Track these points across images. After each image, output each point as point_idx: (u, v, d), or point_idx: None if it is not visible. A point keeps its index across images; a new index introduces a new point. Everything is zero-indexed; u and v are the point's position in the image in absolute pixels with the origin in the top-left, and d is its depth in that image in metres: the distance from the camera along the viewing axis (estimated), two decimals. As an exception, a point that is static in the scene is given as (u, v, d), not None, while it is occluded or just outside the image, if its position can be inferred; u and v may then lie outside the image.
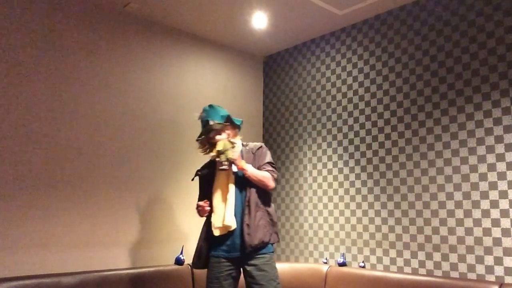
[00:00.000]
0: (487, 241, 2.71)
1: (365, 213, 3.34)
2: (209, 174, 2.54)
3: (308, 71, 3.94)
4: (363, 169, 3.40)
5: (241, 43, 4.03)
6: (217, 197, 2.43)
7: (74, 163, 3.00)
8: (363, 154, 3.42)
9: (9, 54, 2.81)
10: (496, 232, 2.68)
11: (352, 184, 3.46)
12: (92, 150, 3.09)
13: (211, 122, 2.44)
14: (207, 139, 2.51)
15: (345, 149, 3.55)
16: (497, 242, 2.67)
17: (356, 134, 3.48)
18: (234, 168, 2.36)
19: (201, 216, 2.45)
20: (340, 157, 3.57)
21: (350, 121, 3.54)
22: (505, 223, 2.65)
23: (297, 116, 3.97)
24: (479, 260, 2.73)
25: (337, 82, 3.70)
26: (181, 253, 3.27)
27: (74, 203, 2.96)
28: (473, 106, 2.87)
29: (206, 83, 3.87)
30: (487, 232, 2.72)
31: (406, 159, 3.15)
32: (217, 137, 2.44)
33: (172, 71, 3.63)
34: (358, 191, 3.41)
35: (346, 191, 3.49)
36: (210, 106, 2.58)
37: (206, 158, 2.63)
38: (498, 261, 2.65)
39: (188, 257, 3.33)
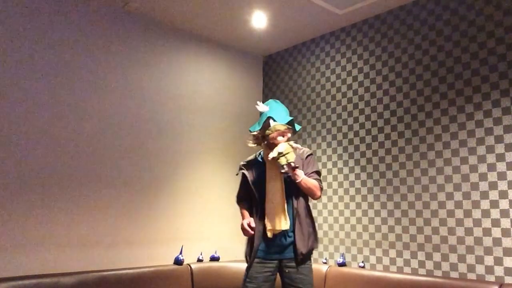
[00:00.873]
0: (487, 241, 2.70)
1: (364, 213, 3.34)
2: (258, 173, 2.50)
3: (308, 71, 3.94)
4: (363, 169, 3.39)
5: (241, 42, 4.03)
6: (270, 199, 2.41)
7: (74, 163, 2.99)
8: (362, 154, 3.42)
9: (9, 53, 2.81)
10: (496, 232, 2.67)
11: (351, 184, 3.45)
12: (92, 150, 3.09)
13: (273, 122, 2.40)
14: (263, 135, 2.45)
15: (345, 149, 3.54)
16: (497, 242, 2.67)
17: (356, 134, 3.48)
18: (290, 173, 2.34)
19: (246, 235, 2.44)
20: (340, 157, 3.57)
21: (350, 121, 3.54)
22: (505, 223, 2.65)
23: (297, 115, 3.97)
24: (479, 260, 2.72)
25: (337, 81, 3.70)
26: (181, 253, 3.27)
27: (74, 203, 2.96)
28: (473, 106, 2.87)
29: (206, 83, 3.87)
30: (487, 232, 2.71)
31: (406, 159, 3.15)
32: (279, 138, 2.41)
33: (171, 71, 3.63)
34: (357, 191, 3.41)
35: (346, 191, 3.48)
36: (276, 101, 2.55)
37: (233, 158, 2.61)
38: (498, 261, 2.65)
39: (188, 257, 3.33)
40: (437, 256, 2.91)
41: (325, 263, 3.45)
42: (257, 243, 2.39)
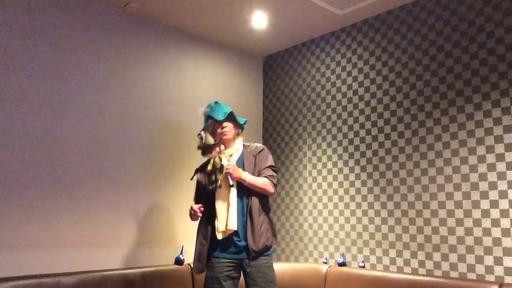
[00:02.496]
0: (487, 241, 2.71)
1: (364, 213, 3.34)
2: (207, 179, 2.56)
3: (308, 71, 3.94)
4: (363, 169, 3.40)
5: (241, 42, 4.03)
6: (219, 201, 2.45)
7: (74, 163, 3.00)
8: (362, 154, 3.42)
9: (9, 53, 2.81)
10: (496, 232, 2.68)
11: (352, 184, 3.46)
12: (92, 150, 3.09)
13: (203, 139, 2.50)
14: (206, 149, 2.54)
15: (345, 149, 3.55)
16: (497, 242, 2.67)
17: (356, 134, 3.48)
18: (231, 181, 2.39)
19: (193, 219, 2.48)
20: (340, 157, 3.57)
21: (350, 121, 3.54)
22: (505, 223, 2.65)
23: (297, 116, 3.97)
24: (479, 260, 2.73)
25: (337, 82, 3.70)
26: (181, 253, 3.27)
27: (74, 203, 2.96)
28: (473, 106, 2.87)
29: (206, 83, 3.87)
30: (487, 232, 2.72)
31: (406, 159, 3.16)
32: (209, 154, 2.50)
33: (172, 71, 3.63)
34: (358, 191, 3.41)
35: (346, 191, 3.49)
36: (216, 102, 2.59)
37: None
38: (498, 261, 2.65)
39: (188, 257, 3.33)
40: (437, 256, 2.92)
41: (325, 263, 3.46)
42: (205, 243, 2.43)
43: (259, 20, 3.54)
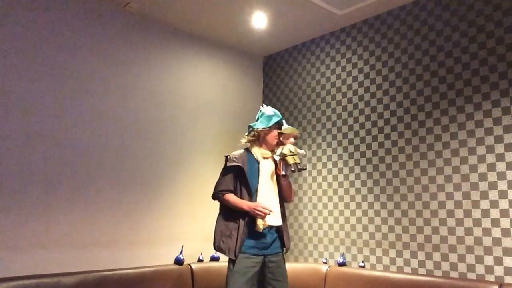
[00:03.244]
0: (487, 241, 2.71)
1: (364, 213, 3.34)
2: (250, 167, 2.58)
3: (308, 71, 3.94)
4: (363, 169, 3.40)
5: (241, 43, 4.03)
6: (264, 195, 2.53)
7: (74, 163, 3.00)
8: (362, 154, 3.42)
9: (9, 53, 2.81)
10: (496, 232, 2.68)
11: (351, 184, 3.46)
12: (92, 150, 3.09)
13: (285, 125, 2.65)
14: (273, 139, 2.65)
15: (345, 149, 3.55)
16: (497, 242, 2.67)
17: (356, 134, 3.48)
18: (283, 172, 2.54)
19: (260, 217, 2.46)
20: (340, 157, 3.57)
21: (350, 121, 3.54)
22: (505, 223, 2.65)
23: (297, 116, 3.97)
24: (479, 260, 2.73)
25: (337, 82, 3.70)
26: (181, 253, 3.27)
27: (74, 203, 2.96)
28: (473, 106, 2.87)
29: (206, 83, 3.87)
30: (487, 232, 2.72)
31: (406, 159, 3.16)
32: (291, 139, 2.61)
33: (172, 71, 3.63)
34: (357, 191, 3.41)
35: (346, 191, 3.49)
36: (275, 111, 2.76)
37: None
38: (498, 261, 2.65)
39: (188, 257, 3.33)
40: (437, 256, 2.92)
41: (325, 263, 3.46)
42: (243, 237, 2.47)
43: (259, 20, 3.54)
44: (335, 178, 3.58)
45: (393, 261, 3.14)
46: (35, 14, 2.94)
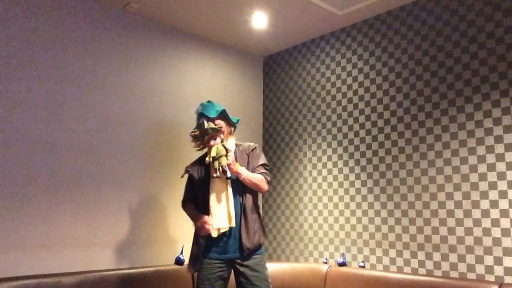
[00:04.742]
0: (487, 241, 2.71)
1: (365, 213, 3.34)
2: (202, 174, 2.54)
3: (308, 71, 3.94)
4: (363, 169, 3.40)
5: (241, 43, 4.03)
6: (214, 198, 2.42)
7: (74, 163, 3.00)
8: (363, 154, 3.42)
9: (9, 54, 2.81)
10: (496, 232, 2.68)
11: (352, 184, 3.46)
12: (92, 150, 3.09)
13: (206, 125, 2.42)
14: (199, 138, 2.51)
15: (345, 149, 3.55)
16: (497, 242, 2.67)
17: (356, 134, 3.48)
18: (228, 173, 2.33)
19: (201, 233, 2.41)
20: (340, 157, 3.57)
21: (350, 121, 3.54)
22: (505, 223, 2.65)
23: (297, 116, 3.97)
24: (479, 260, 2.73)
25: (337, 82, 3.70)
26: (181, 253, 3.27)
27: (74, 203, 2.96)
28: (473, 106, 2.87)
29: (206, 83, 3.87)
30: (487, 232, 2.72)
31: (406, 159, 3.16)
32: (212, 142, 2.42)
33: (172, 71, 3.64)
34: (358, 191, 3.41)
35: (346, 191, 3.49)
36: (208, 101, 2.59)
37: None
38: (498, 261, 2.65)
39: (188, 257, 3.33)
40: (437, 256, 2.92)
41: (325, 263, 3.46)
42: (202, 242, 2.41)
43: (259, 20, 3.54)
44: (335, 178, 3.58)
45: (393, 261, 3.14)
46: (35, 14, 2.94)
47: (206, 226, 2.35)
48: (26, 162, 2.79)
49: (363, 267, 3.23)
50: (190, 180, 2.60)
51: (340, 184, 3.54)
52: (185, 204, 2.62)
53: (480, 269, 2.72)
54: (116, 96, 3.27)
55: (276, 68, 4.25)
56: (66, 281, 2.61)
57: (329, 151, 3.66)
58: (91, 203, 3.05)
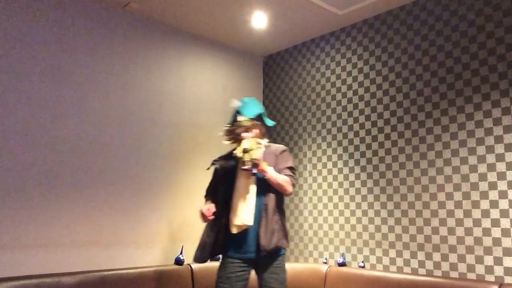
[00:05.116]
0: (487, 241, 2.71)
1: (364, 213, 3.34)
2: (228, 168, 2.50)
3: (308, 71, 3.94)
4: (363, 169, 3.40)
5: (241, 43, 4.03)
6: (237, 194, 2.39)
7: (74, 163, 3.00)
8: (362, 154, 3.42)
9: (9, 53, 2.81)
10: (496, 232, 2.68)
11: (351, 184, 3.46)
12: (92, 150, 3.09)
13: (240, 118, 2.40)
14: (233, 132, 2.46)
15: (345, 149, 3.55)
16: (496, 242, 2.67)
17: (356, 134, 3.48)
18: (254, 170, 2.30)
19: (204, 221, 2.40)
20: (340, 157, 3.57)
21: (350, 121, 3.54)
22: (505, 223, 2.65)
23: (297, 116, 3.97)
24: (479, 260, 2.73)
25: (337, 82, 3.70)
26: (181, 253, 3.27)
27: (74, 203, 2.96)
28: (473, 106, 2.87)
29: (206, 83, 3.87)
30: (486, 232, 2.72)
31: (405, 159, 3.16)
32: (244, 134, 2.39)
33: (171, 71, 3.63)
34: (357, 191, 3.41)
35: (346, 191, 3.49)
36: (250, 98, 2.56)
37: (219, 152, 2.60)
38: (498, 261, 2.65)
39: (188, 257, 3.33)
40: (437, 256, 2.92)
41: (325, 263, 3.46)
42: (211, 234, 2.38)
43: (259, 20, 3.54)
44: (335, 178, 3.58)
45: (393, 261, 3.14)
46: (34, 14, 2.94)
47: (205, 213, 2.34)
48: (25, 162, 2.79)
49: (363, 267, 3.23)
50: (215, 173, 2.56)
51: (340, 184, 3.54)
52: (206, 196, 2.58)
53: (480, 269, 2.72)
54: (116, 96, 3.27)
55: (276, 68, 4.25)
56: (66, 281, 2.61)
57: (329, 151, 3.66)
58: (91, 203, 3.04)
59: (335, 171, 3.59)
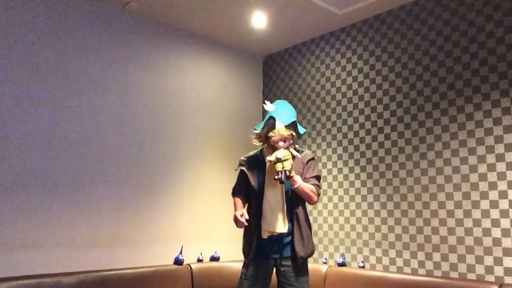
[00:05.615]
0: (487, 241, 2.71)
1: (364, 213, 3.34)
2: (256, 171, 2.48)
3: (308, 71, 3.94)
4: (363, 169, 3.40)
5: (241, 42, 4.03)
6: (268, 201, 2.39)
7: (74, 163, 3.00)
8: (362, 154, 3.42)
9: (9, 53, 2.81)
10: (496, 232, 2.68)
11: (351, 184, 3.46)
12: (92, 150, 3.09)
13: (278, 125, 2.36)
14: (267, 137, 2.41)
15: (345, 149, 3.54)
16: (496, 242, 2.67)
17: (356, 134, 3.48)
18: (284, 179, 2.29)
19: (238, 227, 2.40)
20: (340, 157, 3.57)
21: (350, 121, 3.54)
22: (505, 223, 2.65)
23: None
24: (479, 260, 2.73)
25: (336, 82, 3.70)
26: (181, 253, 3.27)
27: (73, 203, 2.96)
28: (473, 106, 2.87)
29: (206, 83, 3.87)
30: (486, 232, 2.71)
31: (405, 159, 3.15)
32: (281, 143, 2.36)
33: (171, 71, 3.63)
34: (357, 191, 3.41)
35: (346, 191, 3.49)
36: (284, 102, 2.53)
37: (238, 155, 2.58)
38: (498, 261, 2.65)
39: (188, 257, 3.34)
40: (437, 256, 2.92)
41: (325, 263, 3.46)
42: (253, 242, 2.40)
43: (259, 20, 3.54)
44: (335, 178, 3.58)
45: (393, 261, 3.14)
46: (35, 14, 2.94)
47: (239, 219, 2.34)
48: (25, 162, 2.79)
49: (363, 267, 3.23)
50: (242, 174, 2.52)
51: (340, 184, 3.53)
52: (235, 195, 2.55)
53: (480, 269, 2.72)
54: (116, 96, 3.27)
55: (276, 68, 4.25)
56: (66, 281, 2.61)
57: (329, 151, 3.66)
58: (91, 203, 3.05)
59: (335, 171, 3.59)
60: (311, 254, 2.43)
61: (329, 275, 3.21)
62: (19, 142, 2.79)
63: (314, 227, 3.66)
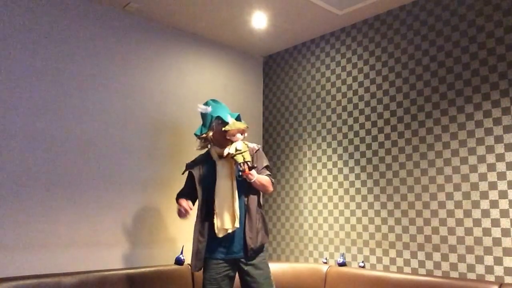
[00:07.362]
0: (487, 241, 2.71)
1: (364, 213, 3.34)
2: (204, 172, 2.54)
3: (308, 71, 3.94)
4: (363, 169, 3.40)
5: (241, 43, 4.03)
6: (220, 199, 2.43)
7: (74, 162, 3.00)
8: (362, 154, 3.42)
9: (10, 53, 2.81)
10: (496, 232, 2.68)
11: (351, 184, 3.46)
12: (92, 150, 3.09)
13: (230, 119, 2.44)
14: (220, 132, 2.46)
15: (345, 149, 3.55)
16: (497, 242, 2.67)
17: (356, 134, 3.48)
18: (251, 172, 2.36)
19: (180, 217, 2.48)
20: (340, 157, 3.57)
21: (350, 121, 3.54)
22: (505, 223, 2.65)
23: (297, 116, 3.97)
24: (479, 260, 2.73)
25: (337, 82, 3.70)
26: (181, 253, 3.27)
27: (74, 203, 2.96)
28: (473, 106, 2.87)
29: (206, 83, 3.87)
30: (487, 232, 2.72)
31: (406, 159, 3.16)
32: (238, 135, 2.43)
33: (172, 71, 3.64)
34: (357, 191, 3.41)
35: (346, 191, 3.49)
36: (215, 101, 2.60)
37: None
38: (498, 261, 2.65)
39: (188, 257, 3.33)
40: (437, 256, 2.92)
41: (325, 263, 3.46)
42: (202, 240, 2.42)
43: (259, 20, 3.54)
44: (335, 178, 3.58)
45: (393, 261, 3.14)
46: (34, 14, 2.94)
47: (184, 205, 2.41)
48: (25, 162, 2.79)
49: (363, 267, 3.23)
50: (191, 177, 2.61)
51: (340, 184, 3.54)
52: (179, 198, 2.62)
53: (480, 269, 2.72)
54: (116, 96, 3.27)
55: (276, 68, 4.25)
56: (66, 281, 2.61)
57: (329, 151, 3.66)
58: (91, 203, 3.05)
59: (335, 171, 3.59)
60: (261, 245, 2.45)
61: (329, 275, 3.21)
62: (19, 142, 2.79)
63: (314, 227, 3.66)
